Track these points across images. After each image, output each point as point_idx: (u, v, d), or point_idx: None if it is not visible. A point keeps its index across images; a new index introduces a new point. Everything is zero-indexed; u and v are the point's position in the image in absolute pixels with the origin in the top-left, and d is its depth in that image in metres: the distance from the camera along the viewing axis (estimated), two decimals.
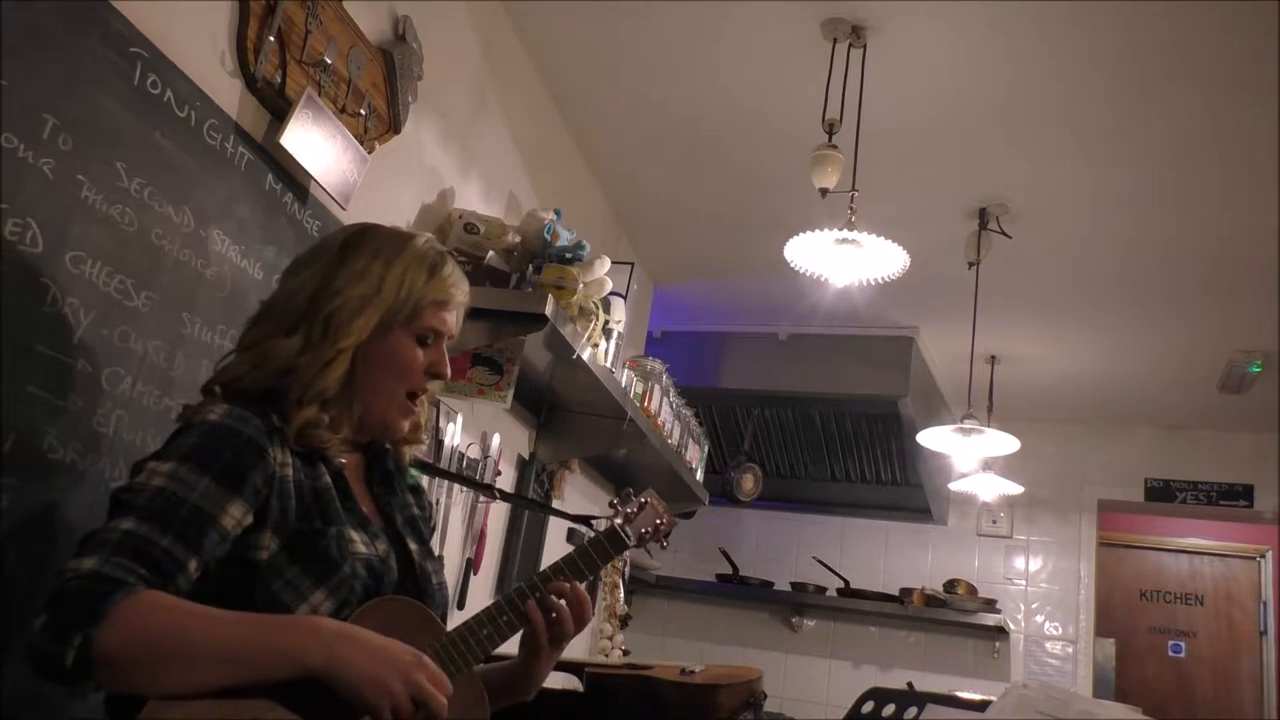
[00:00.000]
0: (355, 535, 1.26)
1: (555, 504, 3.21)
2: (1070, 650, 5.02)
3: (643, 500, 1.47)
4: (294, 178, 1.94)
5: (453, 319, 1.38)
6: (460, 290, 1.39)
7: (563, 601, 1.35)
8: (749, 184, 3.45)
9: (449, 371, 1.38)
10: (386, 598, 1.25)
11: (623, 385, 2.91)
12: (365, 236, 1.37)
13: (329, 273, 1.32)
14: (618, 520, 1.44)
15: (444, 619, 1.34)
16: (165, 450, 1.20)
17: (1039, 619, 5.10)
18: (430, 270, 1.35)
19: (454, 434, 2.58)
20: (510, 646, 1.38)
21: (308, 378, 1.27)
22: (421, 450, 1.51)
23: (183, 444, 1.19)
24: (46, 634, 1.03)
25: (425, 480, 1.89)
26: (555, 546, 3.35)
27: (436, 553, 1.45)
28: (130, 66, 1.55)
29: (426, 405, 1.42)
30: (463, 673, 1.24)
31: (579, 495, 3.52)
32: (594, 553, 1.40)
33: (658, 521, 1.47)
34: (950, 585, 4.96)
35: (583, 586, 1.38)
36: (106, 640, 1.02)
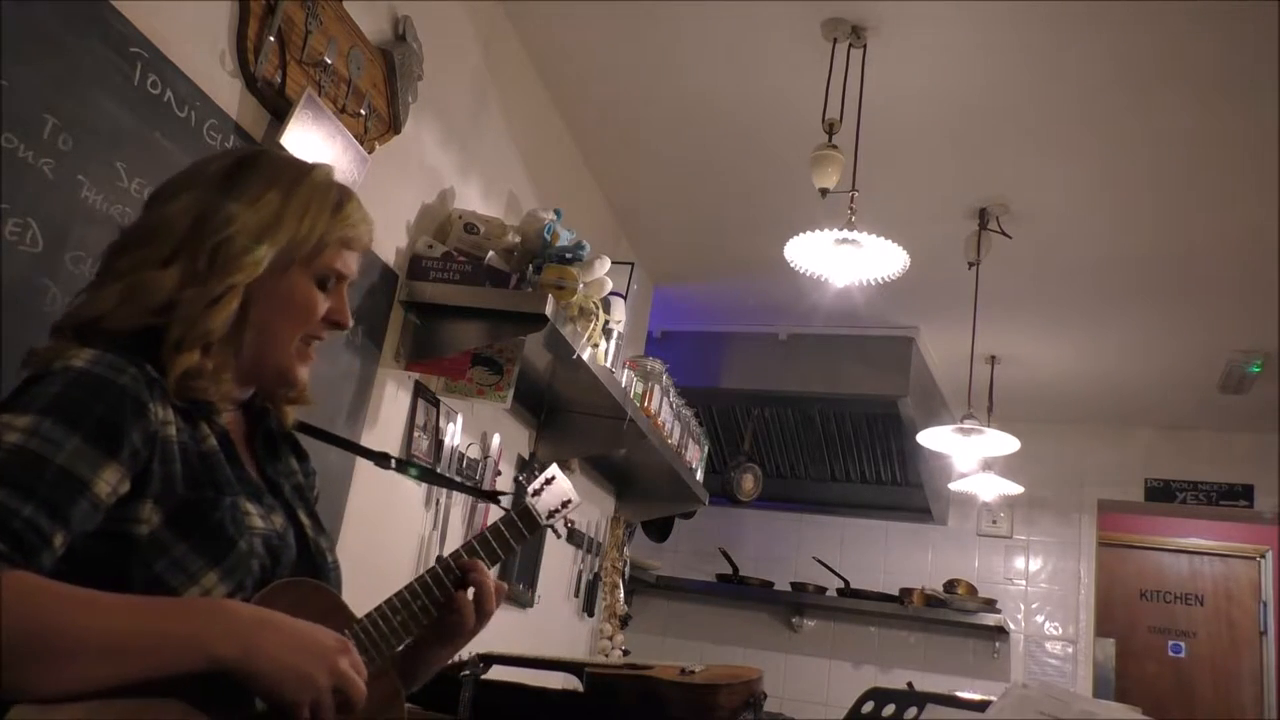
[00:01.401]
0: (251, 507, 1.10)
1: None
2: (1070, 650, 5.02)
3: (550, 476, 1.43)
4: None
5: (355, 262, 1.22)
6: (366, 230, 1.23)
7: (476, 588, 1.26)
8: (749, 184, 3.45)
9: (350, 319, 1.23)
10: (292, 580, 1.11)
11: (623, 385, 2.91)
12: (257, 161, 1.19)
13: (214, 198, 1.13)
14: (529, 498, 1.39)
15: None
16: (17, 401, 0.98)
17: (1039, 619, 5.10)
18: (335, 205, 1.19)
19: (454, 434, 2.58)
20: None
21: (190, 316, 1.08)
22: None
23: (42, 394, 0.98)
24: None
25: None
26: (556, 544, 3.35)
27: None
28: (130, 66, 1.55)
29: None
30: (375, 664, 1.13)
31: (579, 495, 3.52)
32: (508, 533, 1.33)
33: (565, 500, 1.43)
34: (950, 585, 4.96)
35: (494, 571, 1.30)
36: None
